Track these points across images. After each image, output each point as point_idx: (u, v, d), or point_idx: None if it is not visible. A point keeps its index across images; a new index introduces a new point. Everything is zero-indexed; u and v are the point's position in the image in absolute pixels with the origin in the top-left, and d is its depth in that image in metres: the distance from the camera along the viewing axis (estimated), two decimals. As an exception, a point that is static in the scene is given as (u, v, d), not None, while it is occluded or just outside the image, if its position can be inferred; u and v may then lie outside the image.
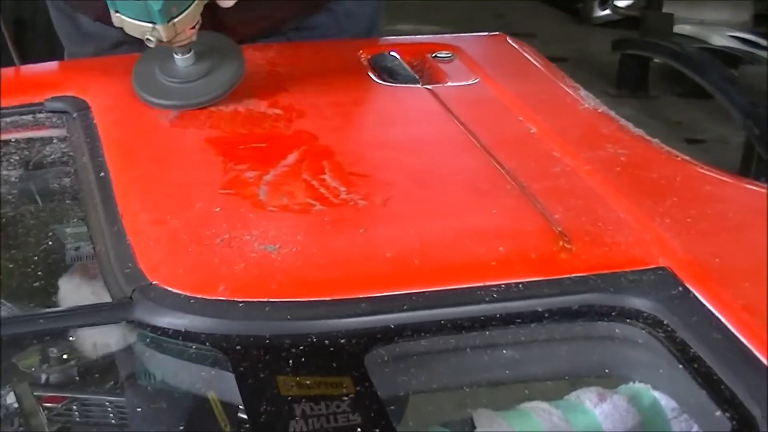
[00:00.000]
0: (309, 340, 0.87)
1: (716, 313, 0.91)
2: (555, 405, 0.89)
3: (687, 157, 1.18)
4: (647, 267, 0.96)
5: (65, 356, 1.02)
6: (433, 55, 1.45)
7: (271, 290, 0.91)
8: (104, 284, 0.97)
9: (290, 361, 0.85)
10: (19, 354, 1.01)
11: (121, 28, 1.20)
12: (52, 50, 1.62)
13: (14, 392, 0.97)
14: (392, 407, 0.84)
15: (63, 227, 1.18)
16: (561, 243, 0.98)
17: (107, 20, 1.21)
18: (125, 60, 1.31)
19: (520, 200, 1.06)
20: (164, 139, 1.19)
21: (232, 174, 1.09)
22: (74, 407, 1.08)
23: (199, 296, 0.91)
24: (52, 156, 1.24)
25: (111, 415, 1.07)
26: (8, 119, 1.28)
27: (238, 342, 0.87)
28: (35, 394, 1.01)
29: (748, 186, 1.15)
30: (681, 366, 0.87)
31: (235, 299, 0.90)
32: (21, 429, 0.95)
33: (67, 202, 1.18)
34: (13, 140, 1.27)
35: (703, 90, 4.11)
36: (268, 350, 0.86)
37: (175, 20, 1.18)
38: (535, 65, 1.48)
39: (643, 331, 0.92)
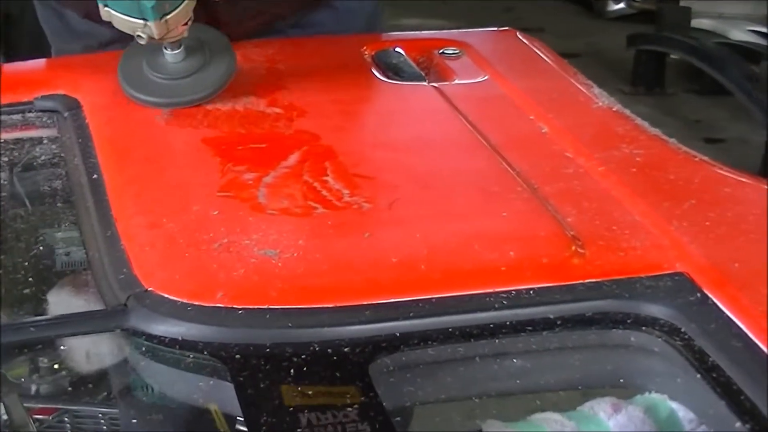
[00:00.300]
0: (311, 348, 0.86)
1: (736, 320, 0.90)
2: (568, 416, 0.87)
3: (705, 158, 1.17)
4: (664, 272, 0.95)
5: (56, 366, 1.01)
6: (440, 51, 1.44)
7: (272, 297, 0.90)
8: (97, 292, 0.96)
9: (291, 371, 0.84)
10: (8, 364, 1.00)
11: (112, 26, 1.19)
12: (39, 47, 1.61)
13: (3, 403, 0.95)
14: (398, 418, 0.82)
15: (53, 231, 1.17)
16: (574, 248, 0.97)
17: (96, 17, 1.20)
18: (118, 57, 1.29)
19: (531, 203, 1.05)
20: (159, 139, 1.18)
21: (230, 176, 1.08)
22: (66, 419, 1.07)
23: (196, 303, 0.90)
24: (43, 157, 1.23)
25: (104, 427, 1.06)
26: (-3, 119, 1.27)
27: (238, 351, 0.86)
28: (25, 405, 1.00)
29: (769, 187, 1.14)
30: (699, 375, 0.86)
31: (234, 306, 0.89)
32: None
33: (58, 205, 1.18)
34: (1, 141, 1.25)
35: (722, 87, 4.10)
36: (269, 359, 0.85)
37: (168, 17, 1.17)
38: (547, 62, 1.47)
39: (660, 339, 0.90)
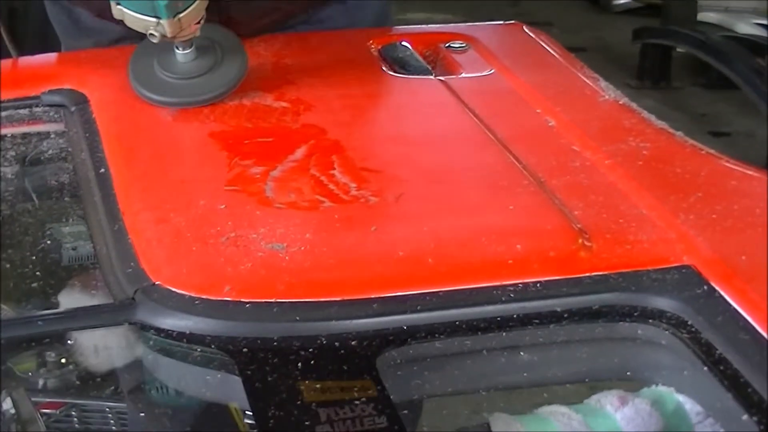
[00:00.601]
0: (318, 342, 0.86)
1: (743, 313, 0.89)
2: (575, 409, 0.87)
3: (712, 151, 1.16)
4: (671, 265, 0.95)
5: (63, 360, 1.01)
6: (447, 44, 1.43)
7: (279, 291, 0.90)
8: (105, 287, 0.96)
9: (299, 364, 0.84)
10: (16, 358, 1.00)
11: (122, 23, 1.18)
12: (44, 42, 1.60)
13: (11, 398, 0.95)
14: (405, 411, 0.82)
15: (60, 226, 1.17)
16: (581, 241, 0.97)
17: (109, 15, 1.20)
18: (125, 52, 1.29)
19: (538, 196, 1.04)
20: (166, 133, 1.18)
21: (237, 170, 1.08)
22: (73, 413, 1.06)
23: (204, 297, 0.90)
24: (50, 152, 1.23)
25: (111, 421, 1.06)
26: (4, 113, 1.26)
27: (245, 344, 0.86)
28: (33, 399, 0.99)
29: (776, 181, 1.13)
30: (706, 368, 0.86)
31: (242, 300, 0.89)
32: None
33: (66, 199, 1.17)
34: (8, 135, 1.25)
35: (729, 81, 4.08)
36: (276, 353, 0.85)
37: (181, 15, 1.16)
38: (553, 55, 1.46)
39: (667, 332, 0.90)
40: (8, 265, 1.11)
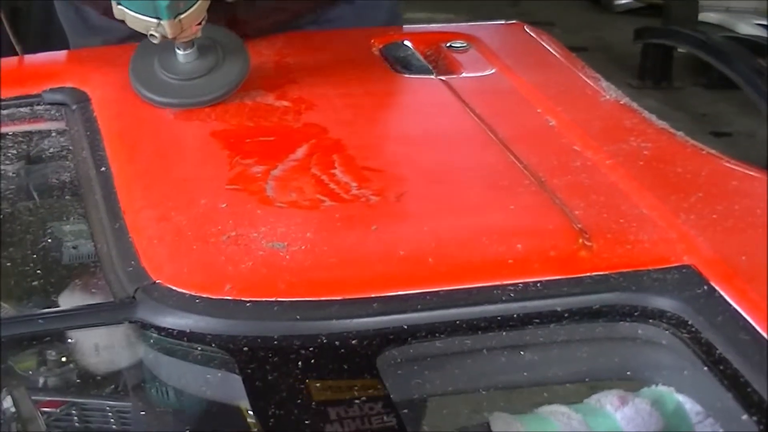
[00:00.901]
0: (319, 341, 0.86)
1: (743, 313, 0.89)
2: (575, 409, 0.87)
3: (713, 151, 1.16)
4: (671, 265, 0.95)
5: (64, 359, 1.01)
6: (448, 44, 1.43)
7: (280, 289, 0.90)
8: (106, 285, 0.95)
9: (299, 363, 0.84)
10: (17, 356, 1.00)
11: None
12: (46, 42, 1.60)
13: (11, 396, 0.95)
14: (405, 411, 0.83)
15: (61, 224, 1.17)
16: (581, 240, 0.97)
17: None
18: (127, 50, 1.29)
19: (538, 196, 1.04)
20: (168, 132, 1.18)
21: (238, 169, 1.08)
22: (73, 412, 1.06)
23: (204, 296, 0.90)
24: (51, 150, 1.23)
25: (112, 420, 1.06)
26: (5, 111, 1.26)
27: (245, 343, 0.86)
28: (33, 398, 0.99)
29: (777, 181, 1.13)
30: (706, 368, 0.86)
31: (242, 299, 0.89)
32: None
33: (66, 198, 1.17)
34: (9, 133, 1.25)
35: (730, 81, 4.08)
36: (277, 351, 0.85)
37: (181, 16, 1.16)
38: (554, 55, 1.46)
39: (667, 332, 0.90)
40: (9, 264, 1.11)
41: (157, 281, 0.92)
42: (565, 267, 0.94)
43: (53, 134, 1.24)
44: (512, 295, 0.91)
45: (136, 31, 1.20)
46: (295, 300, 0.89)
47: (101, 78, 1.29)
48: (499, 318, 0.90)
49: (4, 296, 1.08)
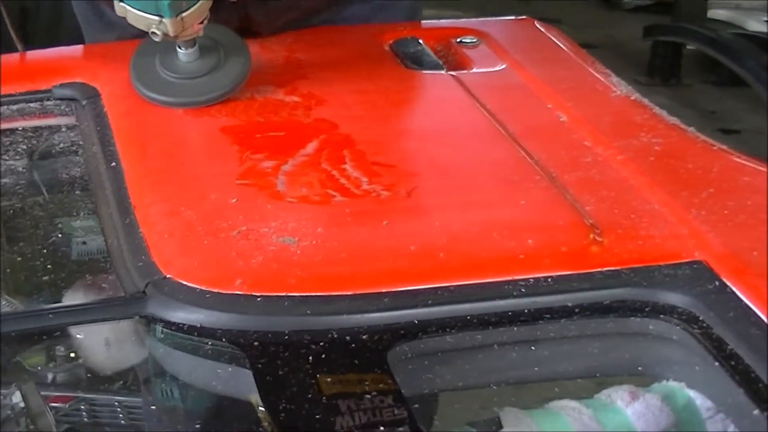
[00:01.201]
0: (329, 336, 0.86)
1: (754, 309, 0.89)
2: (585, 404, 0.87)
3: (724, 147, 1.16)
4: (682, 261, 0.94)
5: (73, 354, 1.01)
6: (458, 40, 1.43)
7: (290, 284, 0.90)
8: (112, 293, 0.96)
9: (310, 358, 0.83)
10: (26, 352, 1.00)
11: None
12: (56, 40, 1.60)
13: (20, 391, 0.95)
14: (416, 405, 0.82)
15: (70, 220, 1.17)
16: (592, 236, 0.97)
17: None
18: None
19: (549, 191, 1.04)
20: (178, 128, 1.18)
21: (248, 164, 1.08)
22: (82, 407, 1.06)
23: (214, 290, 0.89)
24: (61, 145, 1.23)
25: (120, 415, 1.06)
26: (15, 106, 1.26)
27: (256, 338, 0.86)
28: (42, 393, 0.99)
29: (788, 177, 1.12)
30: (717, 364, 0.85)
31: (253, 294, 0.89)
32: (29, 429, 0.94)
33: (76, 193, 1.17)
34: (19, 128, 1.25)
35: (739, 78, 4.07)
36: (287, 346, 0.85)
37: (184, 14, 1.15)
38: (565, 50, 1.46)
39: (678, 328, 0.90)
40: (19, 259, 1.11)
41: (168, 276, 0.91)
42: (576, 262, 0.94)
43: (63, 129, 1.24)
44: (523, 290, 0.91)
45: None
46: (305, 295, 0.89)
47: (111, 73, 1.29)
48: (509, 313, 0.90)
49: (14, 291, 1.08)
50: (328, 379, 0.81)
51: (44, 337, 0.98)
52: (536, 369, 0.92)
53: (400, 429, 0.77)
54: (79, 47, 1.48)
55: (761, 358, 0.84)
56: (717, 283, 0.92)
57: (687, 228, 0.98)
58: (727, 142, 1.18)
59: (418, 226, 0.98)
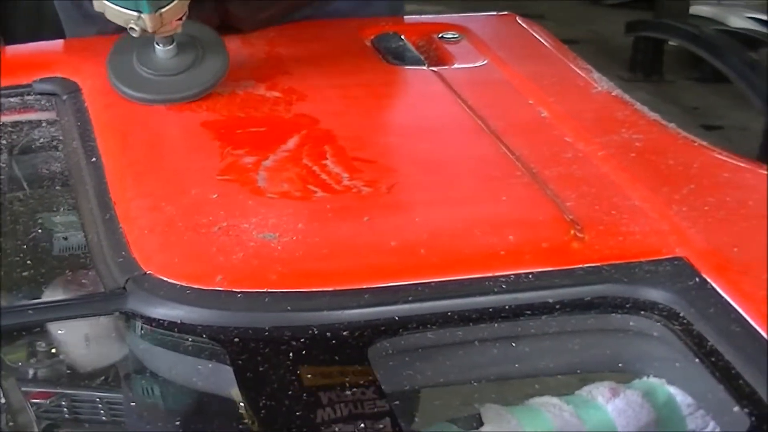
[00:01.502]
0: (310, 332, 0.86)
1: (735, 305, 0.89)
2: (566, 400, 0.87)
3: (705, 143, 1.16)
4: (663, 257, 0.95)
5: (54, 350, 1.00)
6: (440, 35, 1.43)
7: (271, 280, 0.89)
8: (97, 275, 0.95)
9: (290, 354, 0.83)
10: (6, 348, 0.99)
11: None
12: (36, 33, 1.59)
13: (1, 387, 0.95)
14: (397, 402, 0.82)
15: (51, 215, 1.16)
16: (573, 232, 0.96)
17: None
18: (119, 41, 1.28)
19: (530, 187, 1.04)
20: (159, 123, 1.17)
21: (229, 159, 1.07)
22: (63, 403, 1.06)
23: (195, 286, 0.89)
24: (41, 140, 1.22)
25: (101, 411, 1.05)
26: (-5, 101, 1.26)
27: (236, 334, 0.85)
28: (23, 389, 0.99)
29: (768, 173, 1.12)
30: (698, 360, 0.85)
31: (233, 290, 0.89)
32: (9, 425, 0.93)
33: (57, 188, 1.16)
34: None
35: (721, 74, 4.08)
36: (268, 343, 0.84)
37: (163, 11, 1.15)
38: (546, 46, 1.46)
39: (659, 324, 0.90)
40: (-1, 254, 1.11)
41: (148, 272, 0.91)
42: (556, 258, 0.94)
43: (43, 124, 1.23)
44: (504, 286, 0.91)
45: None
46: (286, 291, 0.88)
47: (92, 68, 1.28)
48: (490, 309, 0.89)
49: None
50: (308, 375, 0.81)
51: (24, 333, 0.97)
52: (517, 365, 0.92)
53: (381, 422, 0.77)
54: (60, 42, 1.48)
55: (741, 354, 0.84)
56: (697, 279, 0.92)
57: (668, 224, 0.98)
58: (710, 139, 1.18)
59: (398, 222, 0.98)
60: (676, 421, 0.88)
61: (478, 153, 1.12)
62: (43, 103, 1.26)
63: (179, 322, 0.87)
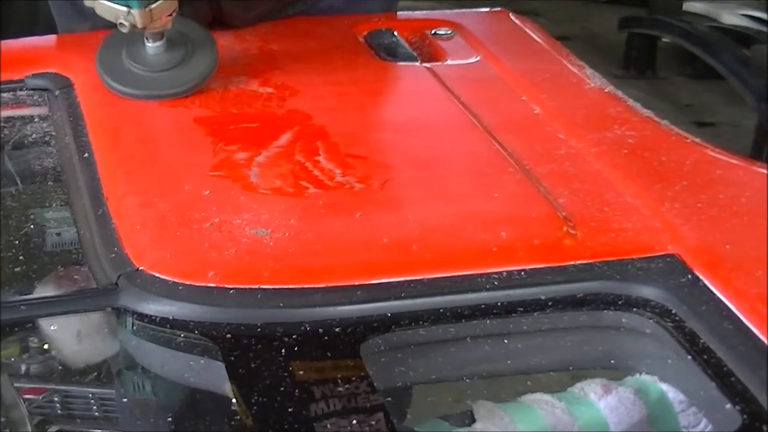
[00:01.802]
0: (302, 328, 0.86)
1: (727, 303, 0.89)
2: (558, 397, 0.87)
3: (698, 140, 1.16)
4: (655, 254, 0.95)
5: (46, 346, 1.00)
6: (433, 31, 1.43)
7: (263, 277, 0.89)
8: (89, 271, 0.95)
9: (282, 351, 0.83)
10: (-2, 343, 0.99)
11: None
12: (30, 29, 1.59)
13: (-7, 383, 0.95)
14: (389, 399, 0.82)
15: (43, 211, 1.16)
16: (566, 228, 0.97)
17: None
18: (111, 36, 1.27)
19: (523, 184, 1.04)
20: (151, 118, 1.17)
21: (222, 155, 1.07)
22: (56, 399, 1.05)
23: (187, 283, 0.89)
24: (33, 136, 1.21)
25: (94, 407, 1.05)
26: (-14, 96, 1.25)
27: (229, 330, 0.85)
28: (15, 385, 0.99)
29: (761, 170, 1.12)
30: (690, 357, 0.85)
31: (226, 286, 0.89)
32: (1, 421, 0.93)
33: (49, 184, 1.16)
34: None
35: (714, 71, 4.08)
36: (260, 339, 0.84)
37: (152, 6, 1.15)
38: (539, 43, 1.46)
39: (651, 321, 0.90)
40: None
41: (140, 268, 0.91)
42: (549, 255, 0.94)
43: (35, 120, 1.23)
44: (496, 283, 0.91)
45: None
46: (278, 287, 0.88)
47: (84, 63, 1.28)
48: (482, 306, 0.89)
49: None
50: (301, 372, 0.81)
51: (16, 329, 0.97)
52: (509, 362, 0.92)
53: (374, 418, 0.77)
54: (53, 37, 1.47)
55: (733, 351, 0.84)
56: (690, 276, 0.92)
57: (660, 221, 0.98)
58: (702, 135, 1.18)
59: (391, 219, 0.98)
60: (668, 419, 0.88)
61: (470, 149, 1.12)
62: (35, 98, 1.26)
63: (171, 318, 0.87)
